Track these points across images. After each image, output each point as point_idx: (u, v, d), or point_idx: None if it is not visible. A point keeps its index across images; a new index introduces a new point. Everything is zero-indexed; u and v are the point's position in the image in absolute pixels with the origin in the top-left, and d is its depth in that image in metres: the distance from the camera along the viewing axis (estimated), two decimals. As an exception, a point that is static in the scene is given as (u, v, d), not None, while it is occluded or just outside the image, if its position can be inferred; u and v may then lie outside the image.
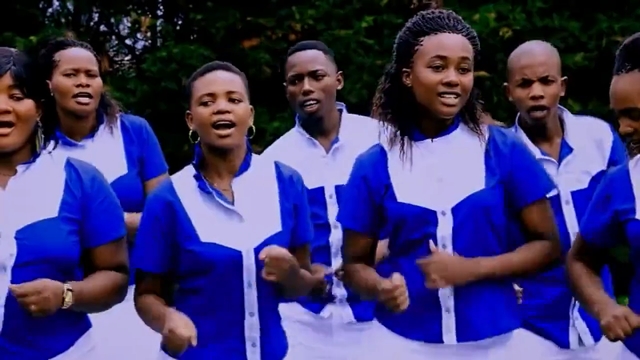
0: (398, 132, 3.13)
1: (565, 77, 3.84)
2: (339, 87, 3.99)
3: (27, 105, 2.89)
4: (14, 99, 2.87)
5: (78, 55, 3.90)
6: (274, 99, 6.47)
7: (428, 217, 3.06)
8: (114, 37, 8.10)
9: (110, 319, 3.31)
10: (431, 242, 3.02)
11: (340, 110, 4.01)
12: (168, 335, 2.86)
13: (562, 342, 3.79)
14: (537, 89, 3.72)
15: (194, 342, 2.86)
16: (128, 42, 7.96)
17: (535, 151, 3.75)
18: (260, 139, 6.58)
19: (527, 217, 3.12)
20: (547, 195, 3.18)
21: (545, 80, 3.74)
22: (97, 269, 2.99)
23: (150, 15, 7.76)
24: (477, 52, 3.12)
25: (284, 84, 3.97)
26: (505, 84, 3.84)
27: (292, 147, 3.92)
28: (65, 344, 2.91)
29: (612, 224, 2.98)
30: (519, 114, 3.85)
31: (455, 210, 3.06)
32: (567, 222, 3.75)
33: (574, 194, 3.78)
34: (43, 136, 2.99)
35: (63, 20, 7.76)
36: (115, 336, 3.68)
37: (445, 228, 3.06)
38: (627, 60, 2.83)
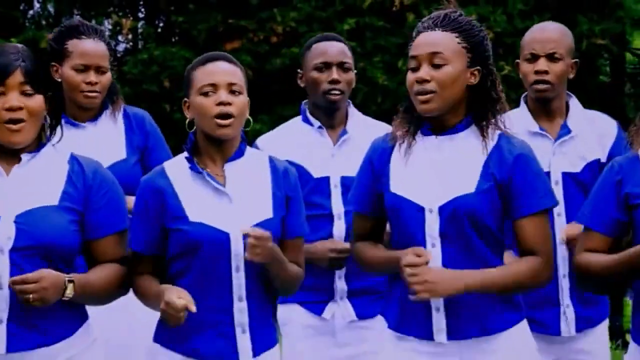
0: (409, 128, 3.14)
1: (576, 60, 3.84)
2: (353, 85, 4.03)
3: (37, 101, 2.90)
4: (25, 95, 2.89)
5: (91, 50, 3.84)
6: (256, 101, 6.48)
7: (417, 212, 3.06)
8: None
9: (108, 312, 3.32)
10: (413, 251, 3.01)
11: (347, 106, 4.04)
12: (165, 308, 2.88)
13: (554, 330, 3.80)
14: (542, 63, 3.73)
15: (193, 308, 2.88)
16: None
17: (534, 126, 3.76)
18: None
19: (520, 230, 3.04)
20: (546, 210, 3.10)
21: (552, 57, 3.75)
22: (99, 262, 3.00)
23: (131, 18, 7.75)
24: (473, 44, 3.06)
25: (299, 70, 3.96)
26: (517, 61, 3.86)
27: (298, 134, 3.92)
28: (69, 330, 2.92)
29: (622, 213, 2.96)
30: (525, 93, 3.87)
31: (441, 209, 3.06)
32: None
33: (565, 175, 3.78)
34: (49, 128, 3.00)
35: (44, 22, 7.75)
36: (113, 329, 3.69)
37: (433, 226, 3.05)
38: None
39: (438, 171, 3.05)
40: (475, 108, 3.06)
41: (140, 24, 7.84)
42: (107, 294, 3.01)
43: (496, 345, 3.05)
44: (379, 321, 3.29)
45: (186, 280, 3.03)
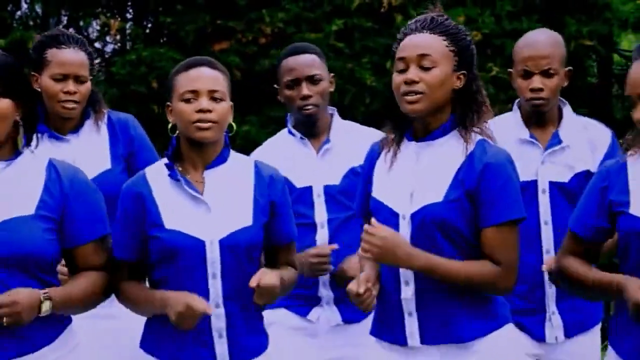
0: (395, 134, 3.15)
1: (570, 68, 3.85)
2: (331, 89, 4.02)
3: (3, 104, 2.88)
4: None
5: (69, 60, 3.83)
6: (244, 102, 6.46)
7: (392, 218, 3.07)
8: (83, 40, 8.04)
9: (90, 317, 3.31)
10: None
11: (331, 115, 4.04)
12: (184, 311, 2.87)
13: (539, 336, 3.81)
14: (537, 81, 3.75)
15: (210, 311, 2.90)
16: (97, 45, 7.92)
17: (525, 133, 3.78)
18: (230, 142, 6.57)
19: (486, 239, 3.03)
20: (513, 221, 3.08)
21: (546, 73, 3.76)
22: (81, 269, 2.99)
23: (119, 18, 7.73)
24: (460, 48, 3.07)
25: (276, 86, 3.97)
26: (510, 70, 3.87)
27: (283, 146, 3.96)
28: (49, 337, 2.91)
29: (604, 219, 2.98)
30: (517, 100, 3.89)
31: (413, 216, 3.07)
32: (540, 210, 3.77)
33: (552, 184, 3.80)
34: (25, 134, 2.98)
35: (31, 23, 7.72)
36: (98, 335, 3.68)
37: (405, 233, 3.06)
38: None
39: (414, 178, 3.07)
40: (459, 112, 3.07)
41: (128, 24, 7.82)
42: (88, 303, 3.00)
43: (473, 350, 3.06)
44: (365, 325, 3.30)
45: (165, 287, 3.03)
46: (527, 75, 3.76)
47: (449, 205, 3.01)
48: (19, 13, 7.80)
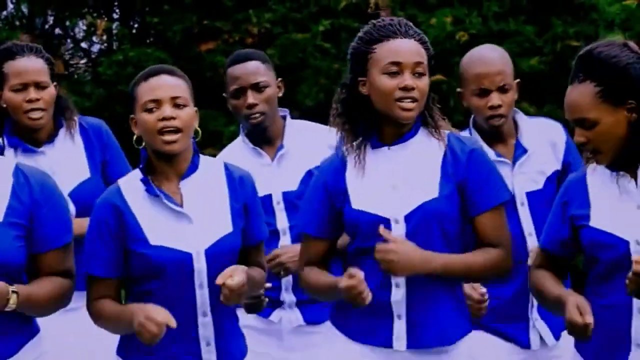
0: (356, 141, 3.15)
1: (518, 80, 3.87)
2: (280, 94, 4.00)
3: None
4: None
5: (26, 68, 3.80)
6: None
7: (382, 225, 3.07)
8: (69, 40, 8.04)
9: (64, 324, 3.29)
10: (382, 227, 3.02)
11: (284, 117, 4.02)
12: (144, 322, 2.86)
13: (523, 343, 3.82)
14: (495, 98, 3.75)
15: (173, 324, 2.87)
16: (84, 45, 7.90)
17: (490, 153, 3.78)
18: (217, 142, 6.57)
19: (480, 225, 3.13)
20: (502, 204, 3.18)
21: (502, 89, 3.76)
22: (42, 274, 2.96)
23: (106, 19, 7.71)
24: (430, 56, 3.14)
25: (224, 94, 3.97)
26: (458, 89, 3.85)
27: (238, 157, 3.93)
28: (12, 349, 2.88)
29: (571, 232, 3.00)
30: (473, 116, 3.87)
31: (407, 218, 3.08)
32: (522, 223, 3.78)
33: (529, 194, 3.81)
34: None
35: (17, 23, 7.69)
36: (69, 342, 3.65)
37: (399, 236, 3.07)
38: (580, 70, 2.86)
39: (398, 181, 3.08)
40: (425, 111, 3.11)
41: (114, 24, 7.80)
42: (49, 307, 2.97)
43: (452, 354, 3.07)
44: (328, 327, 3.29)
45: (150, 300, 3.01)
46: (484, 93, 3.75)
47: (445, 199, 3.05)
48: (4, 13, 7.78)
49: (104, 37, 7.75)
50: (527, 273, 3.66)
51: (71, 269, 3.01)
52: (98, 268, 3.05)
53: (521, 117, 3.91)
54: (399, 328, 3.09)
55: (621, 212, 2.92)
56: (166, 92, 3.02)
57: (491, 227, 3.10)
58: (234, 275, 2.94)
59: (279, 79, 4.01)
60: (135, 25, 7.96)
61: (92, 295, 3.09)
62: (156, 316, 2.87)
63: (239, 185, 3.12)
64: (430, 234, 3.06)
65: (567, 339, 3.87)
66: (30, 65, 3.82)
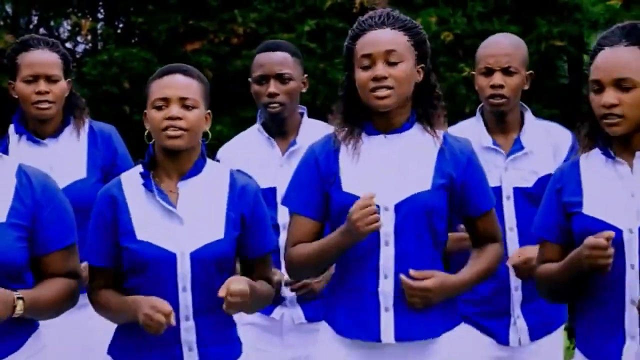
0: (353, 129, 3.15)
1: (531, 72, 3.88)
2: (304, 90, 4.01)
3: None
4: None
5: (38, 60, 3.84)
6: (217, 102, 6.44)
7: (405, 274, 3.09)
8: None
9: (63, 320, 3.30)
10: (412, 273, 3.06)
11: (302, 114, 4.02)
12: (150, 312, 2.86)
13: (502, 340, 3.83)
14: (497, 77, 3.77)
15: (172, 321, 2.87)
16: (68, 45, 7.88)
17: (488, 140, 3.80)
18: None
19: (480, 225, 3.21)
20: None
21: (507, 71, 3.78)
22: (47, 276, 2.96)
23: (90, 19, 7.69)
24: (418, 42, 3.11)
25: (249, 79, 3.97)
26: (472, 72, 3.89)
27: (250, 145, 3.94)
28: (16, 345, 2.89)
29: (564, 219, 3.01)
30: (482, 104, 3.90)
31: (398, 207, 3.08)
32: (505, 216, 3.79)
33: (516, 190, 3.82)
34: None
35: (1, 22, 7.67)
36: (68, 336, 3.67)
37: (387, 224, 3.08)
38: (627, 36, 2.86)
39: (391, 170, 3.08)
40: (421, 105, 3.12)
41: (99, 24, 7.79)
42: (56, 309, 2.97)
43: (438, 346, 3.09)
44: (325, 325, 3.28)
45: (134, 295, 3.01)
46: (489, 72, 3.79)
47: (437, 192, 3.07)
48: (-12, 13, 7.75)
49: (89, 37, 7.73)
50: (506, 267, 3.69)
51: (76, 269, 3.01)
52: (96, 258, 3.07)
53: (529, 116, 3.93)
54: (387, 320, 3.09)
55: (614, 200, 2.93)
56: (176, 91, 3.01)
57: (490, 226, 3.21)
58: (235, 283, 2.94)
59: (305, 75, 4.02)
60: (120, 25, 7.94)
61: (93, 284, 3.11)
62: (162, 306, 2.88)
63: (240, 195, 3.10)
64: (418, 226, 3.08)
65: (546, 342, 3.90)
66: (43, 58, 3.86)
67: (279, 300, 3.88)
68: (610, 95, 2.83)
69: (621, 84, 2.82)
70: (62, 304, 2.99)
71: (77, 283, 3.01)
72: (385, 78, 3.06)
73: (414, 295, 3.02)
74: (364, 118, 3.15)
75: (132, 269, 3.02)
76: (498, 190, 3.76)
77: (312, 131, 3.92)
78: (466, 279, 3.12)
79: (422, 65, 3.13)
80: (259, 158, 3.86)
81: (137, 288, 3.03)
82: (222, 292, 2.92)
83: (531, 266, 3.29)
